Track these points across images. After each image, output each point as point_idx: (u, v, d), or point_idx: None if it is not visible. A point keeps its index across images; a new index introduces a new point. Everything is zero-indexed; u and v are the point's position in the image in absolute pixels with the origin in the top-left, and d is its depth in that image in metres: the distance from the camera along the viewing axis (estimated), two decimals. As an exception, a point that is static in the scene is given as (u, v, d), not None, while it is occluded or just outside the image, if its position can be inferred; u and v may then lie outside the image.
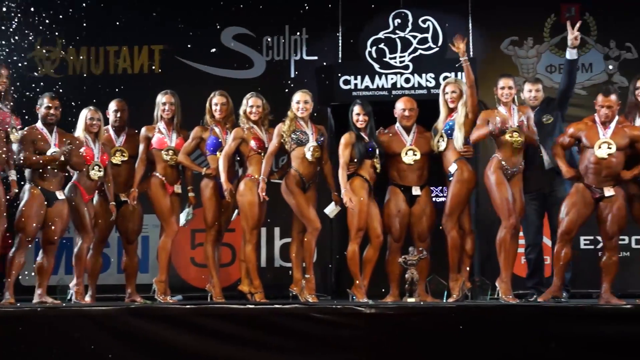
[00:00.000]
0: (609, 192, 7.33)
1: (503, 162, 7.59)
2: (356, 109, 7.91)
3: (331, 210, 8.01)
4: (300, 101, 7.94)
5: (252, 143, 7.96)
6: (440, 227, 7.89)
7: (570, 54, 7.90)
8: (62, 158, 7.61)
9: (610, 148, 7.26)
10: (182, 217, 8.26)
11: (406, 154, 7.87)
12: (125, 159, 8.22)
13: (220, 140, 8.10)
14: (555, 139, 7.64)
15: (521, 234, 7.92)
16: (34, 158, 7.58)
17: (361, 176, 7.84)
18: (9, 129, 7.47)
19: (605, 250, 7.42)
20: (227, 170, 7.90)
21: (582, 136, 7.39)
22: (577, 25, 7.87)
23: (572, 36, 7.84)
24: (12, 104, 7.64)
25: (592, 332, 6.54)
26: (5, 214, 7.46)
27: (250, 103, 8.04)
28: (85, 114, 7.98)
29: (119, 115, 8.28)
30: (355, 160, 7.80)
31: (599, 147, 7.27)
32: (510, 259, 7.62)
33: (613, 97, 7.35)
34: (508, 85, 7.71)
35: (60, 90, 8.71)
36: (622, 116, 7.62)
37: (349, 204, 7.67)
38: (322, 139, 7.96)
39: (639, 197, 7.51)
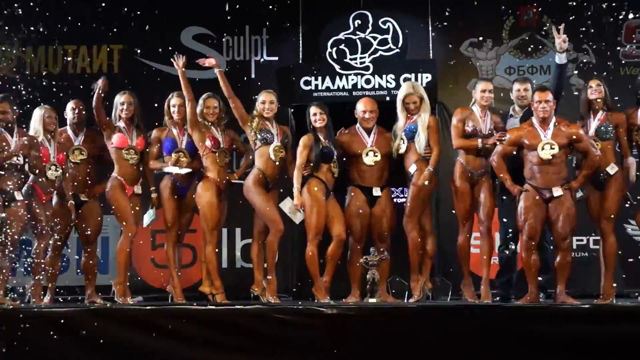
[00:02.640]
0: (557, 191, 7.35)
1: (466, 166, 7.66)
2: (312, 109, 7.91)
3: (298, 216, 7.95)
4: (266, 101, 7.95)
5: (207, 142, 7.94)
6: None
7: (559, 58, 7.76)
8: (20, 159, 7.55)
9: (553, 149, 7.32)
10: (146, 218, 8.20)
11: (367, 154, 7.88)
12: (85, 157, 8.13)
13: (176, 141, 8.08)
14: (495, 151, 7.56)
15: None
16: None
17: (318, 179, 7.84)
18: None
19: (559, 251, 7.45)
20: None
21: (524, 140, 7.41)
22: (562, 27, 7.72)
23: (560, 40, 7.71)
24: None
25: (551, 332, 6.60)
26: None
27: (207, 104, 8.04)
28: (39, 113, 7.90)
29: (76, 114, 8.19)
30: (312, 164, 7.81)
31: (542, 149, 7.33)
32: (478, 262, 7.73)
33: (549, 91, 7.42)
34: (489, 88, 7.77)
35: (24, 90, 8.63)
36: (579, 120, 7.75)
37: (298, 209, 7.68)
38: (286, 140, 7.95)
39: (594, 195, 7.63)
